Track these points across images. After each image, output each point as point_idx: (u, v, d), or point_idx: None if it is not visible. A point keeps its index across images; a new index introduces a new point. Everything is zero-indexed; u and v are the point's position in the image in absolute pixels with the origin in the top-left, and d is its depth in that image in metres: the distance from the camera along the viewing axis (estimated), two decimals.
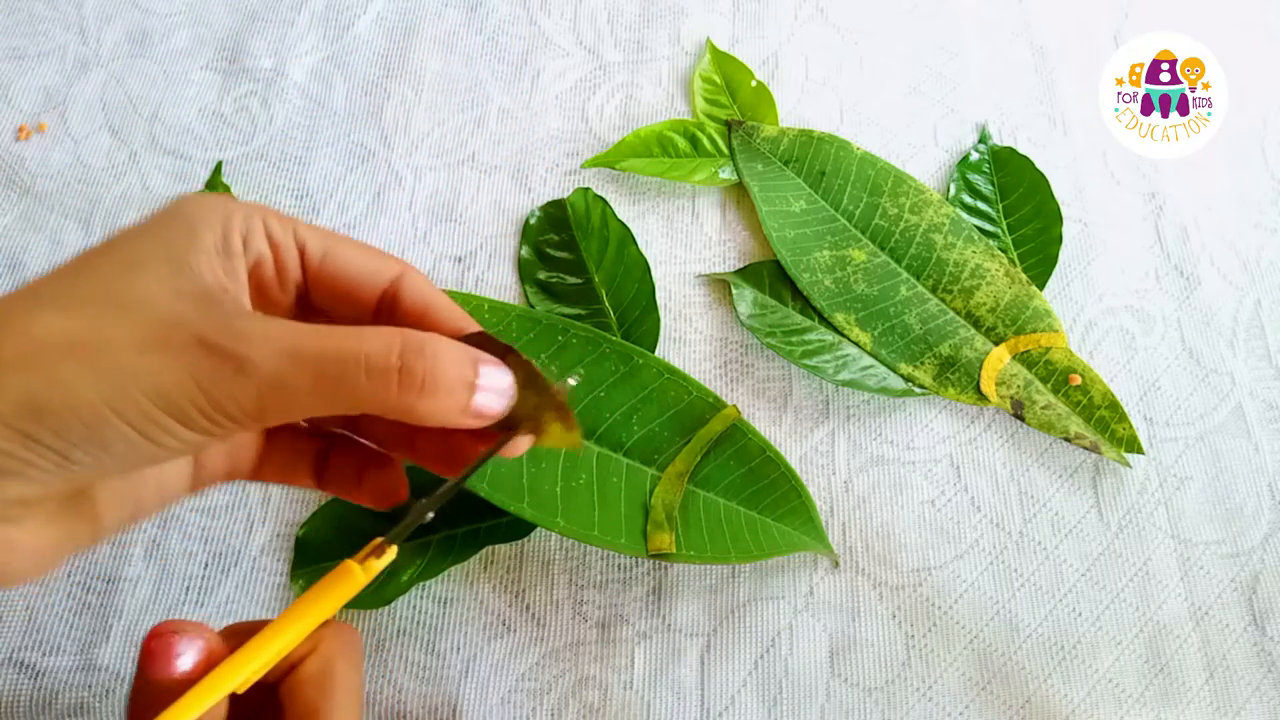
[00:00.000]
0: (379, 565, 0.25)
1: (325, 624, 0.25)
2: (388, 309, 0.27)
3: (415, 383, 0.23)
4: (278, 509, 0.41)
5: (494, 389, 0.24)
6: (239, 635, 0.25)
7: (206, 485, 0.27)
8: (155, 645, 0.23)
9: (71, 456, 0.21)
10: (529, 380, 0.25)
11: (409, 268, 0.27)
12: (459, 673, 0.37)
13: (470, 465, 0.26)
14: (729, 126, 0.49)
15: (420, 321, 0.26)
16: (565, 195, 0.48)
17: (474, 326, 0.27)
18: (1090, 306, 0.45)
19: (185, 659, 0.23)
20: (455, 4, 0.55)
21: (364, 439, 0.29)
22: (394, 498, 0.28)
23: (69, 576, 0.39)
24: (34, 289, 0.22)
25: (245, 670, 0.23)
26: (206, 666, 0.23)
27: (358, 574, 0.25)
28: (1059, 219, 0.46)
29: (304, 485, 0.29)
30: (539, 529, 0.39)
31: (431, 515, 0.26)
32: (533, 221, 0.47)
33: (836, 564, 0.39)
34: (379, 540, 0.25)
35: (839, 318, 0.44)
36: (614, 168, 0.48)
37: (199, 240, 0.23)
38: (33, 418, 0.20)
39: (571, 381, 0.26)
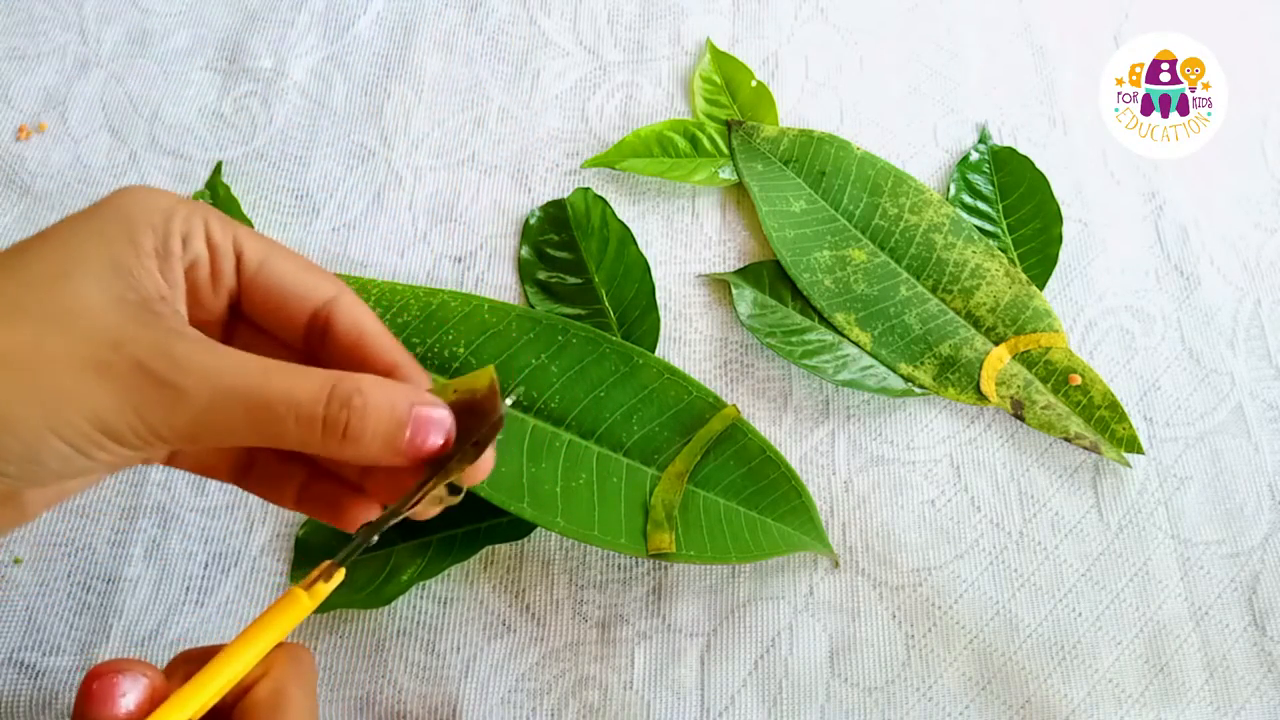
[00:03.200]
0: (326, 589, 0.25)
1: (277, 646, 0.25)
2: (320, 330, 0.27)
3: (337, 431, 0.23)
4: (277, 509, 0.41)
5: (430, 429, 0.25)
6: (191, 662, 0.24)
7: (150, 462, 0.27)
8: (97, 686, 0.23)
9: (4, 470, 0.21)
10: (477, 421, 0.25)
11: (344, 290, 0.27)
12: (459, 673, 0.37)
13: (410, 492, 0.26)
14: (729, 126, 0.49)
15: (353, 348, 0.26)
16: (565, 195, 0.48)
17: (406, 356, 0.27)
18: (1090, 306, 0.45)
19: (129, 698, 0.23)
20: (455, 4, 0.55)
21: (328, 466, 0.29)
22: (355, 519, 0.28)
23: (69, 576, 0.39)
24: None
25: (194, 704, 0.23)
26: (150, 705, 0.23)
27: (304, 600, 0.25)
28: (1059, 219, 0.46)
29: (283, 504, 0.28)
30: (539, 529, 0.39)
31: (376, 539, 0.26)
32: (533, 221, 0.47)
33: (836, 564, 0.39)
34: (326, 564, 0.25)
35: (839, 318, 0.44)
36: (614, 168, 0.48)
37: (138, 242, 0.23)
38: None
39: (509, 401, 0.26)
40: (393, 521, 0.26)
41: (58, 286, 0.22)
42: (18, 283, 0.22)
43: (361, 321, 0.27)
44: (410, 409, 0.24)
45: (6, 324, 0.21)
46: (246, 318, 0.27)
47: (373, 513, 0.28)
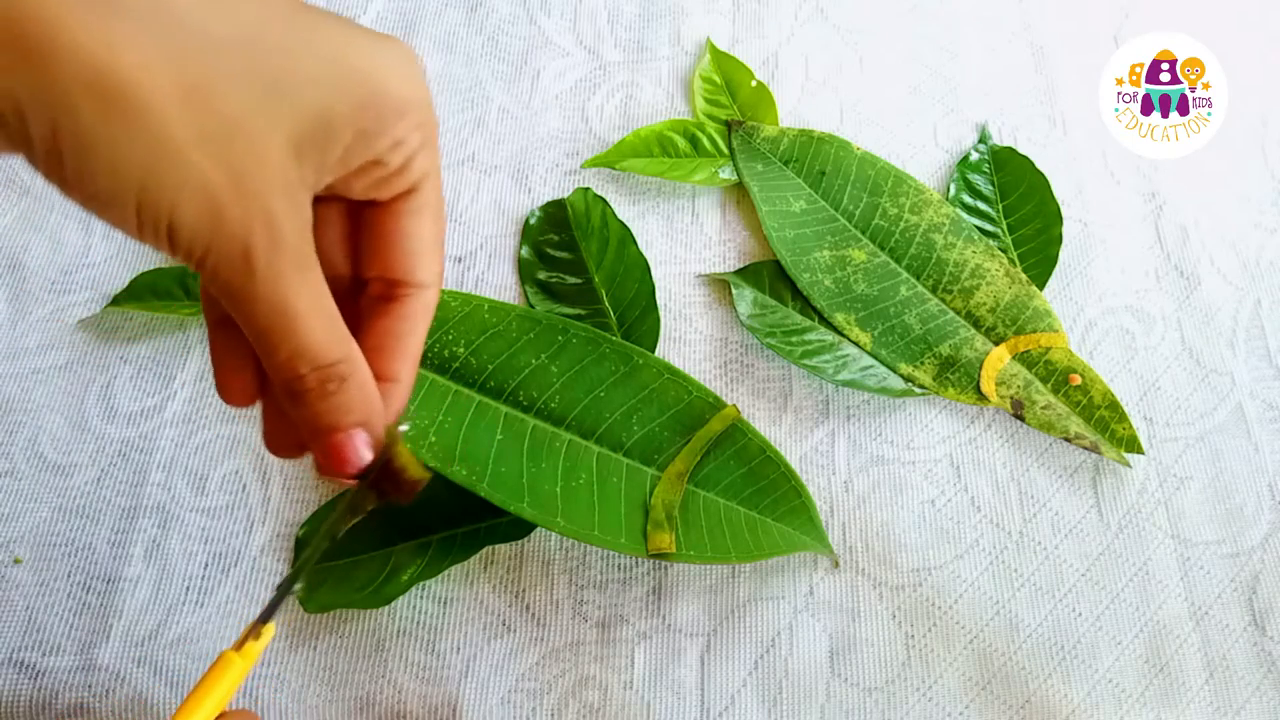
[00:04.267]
0: (258, 648, 0.25)
1: (221, 716, 0.25)
2: (381, 292, 0.26)
3: (297, 390, 0.23)
4: (278, 509, 0.41)
5: (349, 457, 0.24)
6: None
7: None
8: None
9: (65, 165, 0.20)
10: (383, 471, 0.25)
11: (433, 289, 0.26)
12: (459, 673, 0.37)
13: (318, 540, 0.26)
14: (729, 126, 0.49)
15: (384, 335, 0.26)
16: (565, 195, 0.48)
17: (409, 377, 0.26)
18: (1090, 306, 0.45)
19: None
20: (455, 4, 0.55)
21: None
22: (233, 396, 0.26)
23: (69, 576, 0.39)
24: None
25: None
26: None
27: (237, 662, 0.25)
28: (1059, 219, 0.46)
29: (207, 318, 0.27)
30: (539, 529, 0.39)
31: (299, 586, 0.26)
32: (533, 221, 0.47)
33: (836, 564, 0.39)
34: (253, 622, 0.26)
35: (839, 318, 0.44)
36: (614, 168, 0.48)
37: (360, 115, 0.22)
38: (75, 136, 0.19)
39: (403, 428, 0.26)
40: (307, 568, 0.26)
41: (265, 93, 0.21)
42: (244, 51, 0.21)
43: (414, 328, 0.26)
44: (354, 427, 0.24)
45: (203, 89, 0.20)
46: (362, 224, 0.26)
47: (247, 392, 0.26)
